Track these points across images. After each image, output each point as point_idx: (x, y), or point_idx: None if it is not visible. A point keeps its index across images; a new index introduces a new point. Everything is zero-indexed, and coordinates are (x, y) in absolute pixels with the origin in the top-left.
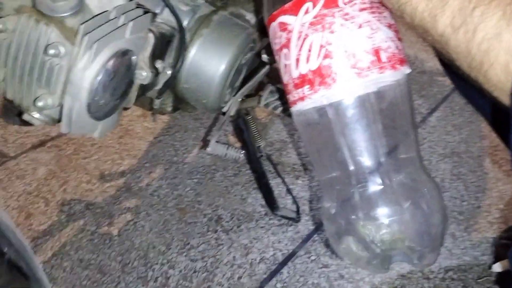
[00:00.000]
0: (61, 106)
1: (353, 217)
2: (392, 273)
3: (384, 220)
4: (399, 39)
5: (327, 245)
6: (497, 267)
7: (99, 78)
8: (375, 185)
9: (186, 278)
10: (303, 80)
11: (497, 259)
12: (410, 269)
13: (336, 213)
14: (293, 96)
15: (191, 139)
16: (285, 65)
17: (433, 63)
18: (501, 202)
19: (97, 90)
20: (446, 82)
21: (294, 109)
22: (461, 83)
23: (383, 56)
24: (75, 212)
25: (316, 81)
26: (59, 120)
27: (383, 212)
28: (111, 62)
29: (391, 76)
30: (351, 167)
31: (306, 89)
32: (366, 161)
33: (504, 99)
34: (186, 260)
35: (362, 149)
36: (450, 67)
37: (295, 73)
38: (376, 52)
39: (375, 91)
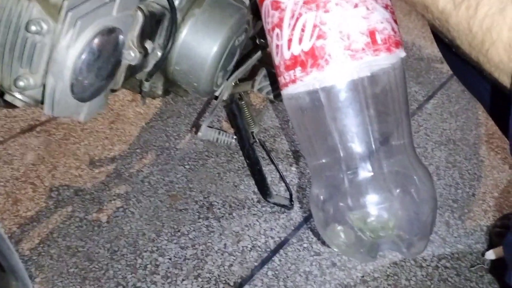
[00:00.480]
0: (43, 86)
1: (341, 204)
2: (385, 261)
3: (373, 207)
4: (395, 21)
5: (319, 232)
6: (490, 255)
7: (83, 57)
8: (365, 172)
9: (176, 265)
10: (295, 62)
11: (490, 247)
12: (403, 257)
13: (325, 199)
14: (284, 78)
15: (183, 125)
16: (277, 46)
17: (431, 50)
18: (496, 190)
19: (81, 70)
20: (444, 69)
21: (285, 92)
22: (459, 68)
23: (379, 38)
24: (64, 199)
25: (309, 63)
26: (42, 101)
27: (372, 199)
28: (96, 41)
29: (386, 59)
30: (342, 153)
31: (298, 71)
32: (357, 147)
33: (505, 80)
34: (176, 247)
35: (353, 134)
36: (449, 50)
37: (287, 54)
38: (372, 34)
39: (369, 75)
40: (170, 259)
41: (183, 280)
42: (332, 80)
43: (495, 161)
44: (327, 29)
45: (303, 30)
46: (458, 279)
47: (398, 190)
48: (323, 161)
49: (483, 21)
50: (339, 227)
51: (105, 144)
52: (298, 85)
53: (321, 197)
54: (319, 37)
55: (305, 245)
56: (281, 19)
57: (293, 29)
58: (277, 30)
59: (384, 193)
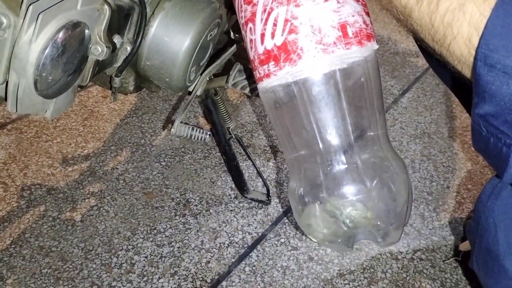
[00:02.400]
0: (6, 83)
1: (319, 195)
2: (361, 254)
3: (350, 199)
4: (367, 14)
5: (297, 227)
6: (463, 247)
7: (46, 52)
8: (341, 164)
9: (152, 264)
10: (268, 56)
11: (464, 239)
12: (379, 250)
13: (302, 192)
14: (258, 72)
15: (159, 121)
16: (251, 40)
17: (406, 44)
18: (469, 182)
19: (44, 66)
20: (419, 63)
21: (260, 86)
22: (434, 61)
23: (350, 32)
24: (36, 198)
25: (281, 57)
26: (5, 99)
27: (349, 191)
28: (60, 35)
29: (358, 52)
30: (318, 146)
31: (271, 65)
32: (333, 139)
33: (467, 73)
34: (152, 245)
35: (328, 127)
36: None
37: (260, 49)
38: (343, 27)
39: (341, 68)
40: (146, 257)
41: (159, 278)
42: (304, 74)
43: (469, 153)
44: (298, 24)
45: (275, 25)
46: (433, 271)
47: (374, 181)
48: (300, 153)
49: (444, 16)
50: (317, 218)
51: (79, 141)
52: (272, 79)
53: (300, 189)
54: (291, 31)
55: (282, 240)
56: (253, 14)
57: (265, 23)
58: (250, 25)
59: (360, 184)
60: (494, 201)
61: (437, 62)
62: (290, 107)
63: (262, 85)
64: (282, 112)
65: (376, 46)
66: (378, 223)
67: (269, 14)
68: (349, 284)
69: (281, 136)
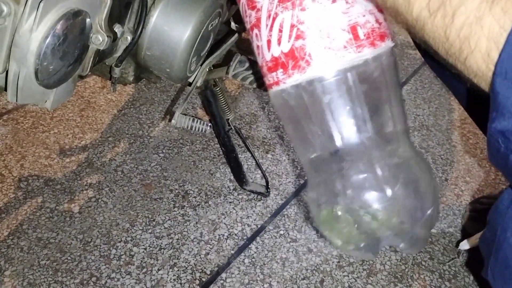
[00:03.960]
0: (6, 72)
1: (340, 200)
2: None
3: (374, 201)
4: (380, 10)
5: (296, 219)
6: (465, 245)
7: (47, 41)
8: (362, 166)
9: (151, 255)
10: (276, 64)
11: (463, 231)
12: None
13: (323, 197)
14: (268, 79)
15: (157, 112)
16: (257, 46)
17: (404, 36)
18: (468, 174)
19: (45, 54)
20: (417, 55)
21: (271, 92)
22: (435, 65)
23: (361, 33)
24: (33, 189)
25: (290, 65)
26: (6, 88)
27: (372, 196)
28: (61, 24)
29: (370, 54)
30: (336, 148)
31: (279, 73)
32: (352, 140)
33: (485, 87)
34: (151, 237)
35: (344, 128)
36: (427, 52)
37: (268, 56)
38: (353, 29)
39: (353, 73)
40: (145, 249)
41: (158, 269)
42: (315, 81)
43: (467, 146)
44: (305, 29)
45: (280, 31)
46: (432, 263)
47: (398, 184)
48: (319, 156)
49: (460, 30)
50: (340, 224)
51: (76, 132)
52: (281, 87)
53: (320, 194)
54: (297, 37)
55: (281, 232)
56: (258, 20)
57: (270, 30)
58: (255, 31)
59: (384, 188)
60: None
61: (451, 74)
62: (304, 112)
63: (272, 92)
64: (295, 116)
65: (391, 44)
66: (405, 226)
67: (274, 19)
68: (348, 276)
69: (296, 139)
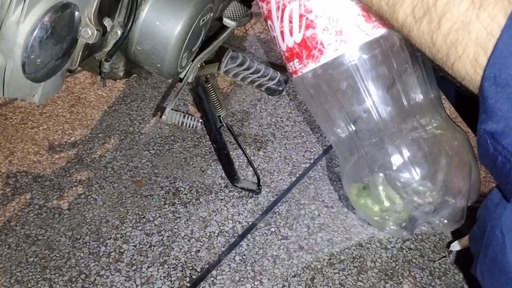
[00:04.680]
0: None
1: (381, 173)
2: (351, 243)
3: (415, 172)
4: None
5: (287, 216)
6: (456, 246)
7: (35, 33)
8: (402, 137)
9: (141, 252)
10: (292, 54)
11: (455, 235)
12: (368, 239)
13: (359, 177)
14: (288, 68)
15: (148, 109)
16: (274, 37)
17: None
18: None
19: (33, 48)
20: None
21: (293, 80)
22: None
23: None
24: (22, 185)
25: (304, 54)
26: None
27: (412, 169)
28: (48, 16)
29: (384, 33)
30: (374, 121)
31: (296, 63)
32: (389, 111)
33: (473, 90)
34: (141, 234)
35: (378, 103)
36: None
37: (283, 46)
38: (364, 11)
39: (369, 55)
40: (135, 246)
41: (148, 267)
42: (330, 68)
43: None
44: (314, 17)
45: (290, 22)
46: (422, 260)
47: (439, 153)
48: (352, 132)
49: (447, 36)
50: (381, 195)
51: (65, 128)
52: (300, 75)
53: (357, 174)
54: (307, 27)
55: (272, 229)
56: (269, 11)
57: (281, 21)
58: (269, 22)
59: (425, 156)
60: (503, 211)
61: (439, 76)
62: (327, 97)
63: (294, 80)
64: (320, 101)
65: None
66: (446, 198)
67: (283, 11)
68: (339, 273)
69: (328, 118)
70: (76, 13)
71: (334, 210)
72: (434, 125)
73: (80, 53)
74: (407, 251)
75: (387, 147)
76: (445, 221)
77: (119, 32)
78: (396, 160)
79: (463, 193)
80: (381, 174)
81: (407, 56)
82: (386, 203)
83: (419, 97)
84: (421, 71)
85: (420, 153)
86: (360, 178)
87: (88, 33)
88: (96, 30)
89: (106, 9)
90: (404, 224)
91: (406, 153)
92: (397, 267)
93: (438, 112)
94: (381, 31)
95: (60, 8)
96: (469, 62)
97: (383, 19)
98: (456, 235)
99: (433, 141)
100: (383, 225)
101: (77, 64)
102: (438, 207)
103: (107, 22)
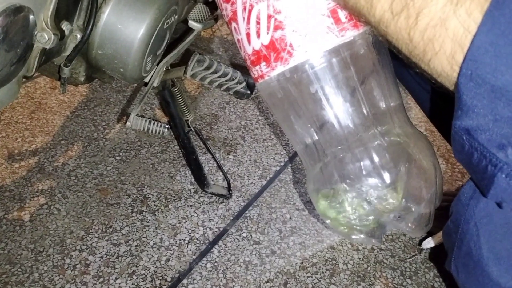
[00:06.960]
0: None
1: (343, 187)
2: (323, 245)
3: (375, 185)
4: None
5: (259, 221)
6: (429, 243)
7: None
8: (362, 147)
9: (108, 264)
10: (258, 57)
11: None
12: (340, 241)
13: (323, 186)
14: (253, 73)
15: (113, 114)
16: (238, 40)
17: None
18: None
19: None
20: None
21: (258, 85)
22: (399, 71)
23: (342, 16)
24: None
25: (272, 57)
26: None
27: (371, 179)
28: (0, 21)
29: (354, 36)
30: (334, 131)
31: (263, 66)
32: (344, 122)
33: (449, 86)
34: (108, 244)
35: (337, 112)
36: (390, 53)
37: (249, 49)
38: (333, 13)
39: (338, 57)
40: (101, 257)
41: (116, 278)
42: (300, 70)
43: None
44: (283, 18)
45: (258, 23)
46: (393, 260)
47: (400, 163)
48: (311, 141)
49: (424, 32)
50: (345, 206)
51: (26, 135)
52: (266, 80)
53: (321, 183)
54: (276, 28)
55: (244, 235)
56: (234, 13)
57: (248, 22)
58: (234, 24)
59: (387, 168)
60: (476, 204)
61: (414, 73)
62: (293, 102)
63: (259, 85)
64: (285, 107)
65: None
66: (409, 205)
67: (250, 12)
68: (311, 277)
69: (288, 128)
70: (31, 16)
71: (305, 213)
72: (397, 132)
73: (37, 58)
74: (378, 252)
75: (350, 155)
76: (413, 226)
77: (79, 36)
78: (358, 168)
79: (427, 199)
80: (344, 183)
81: (374, 59)
82: (350, 212)
83: (381, 104)
84: (385, 76)
85: (382, 161)
86: (324, 186)
87: (44, 38)
88: (53, 34)
89: (64, 12)
90: (371, 232)
91: (368, 162)
92: (368, 268)
93: (400, 119)
94: (351, 33)
95: (13, 12)
96: (445, 59)
97: (359, 15)
98: (427, 233)
99: (395, 148)
100: (350, 233)
101: (34, 70)
102: (403, 214)
103: (65, 26)
